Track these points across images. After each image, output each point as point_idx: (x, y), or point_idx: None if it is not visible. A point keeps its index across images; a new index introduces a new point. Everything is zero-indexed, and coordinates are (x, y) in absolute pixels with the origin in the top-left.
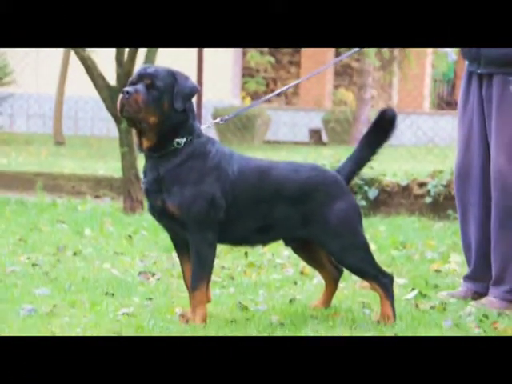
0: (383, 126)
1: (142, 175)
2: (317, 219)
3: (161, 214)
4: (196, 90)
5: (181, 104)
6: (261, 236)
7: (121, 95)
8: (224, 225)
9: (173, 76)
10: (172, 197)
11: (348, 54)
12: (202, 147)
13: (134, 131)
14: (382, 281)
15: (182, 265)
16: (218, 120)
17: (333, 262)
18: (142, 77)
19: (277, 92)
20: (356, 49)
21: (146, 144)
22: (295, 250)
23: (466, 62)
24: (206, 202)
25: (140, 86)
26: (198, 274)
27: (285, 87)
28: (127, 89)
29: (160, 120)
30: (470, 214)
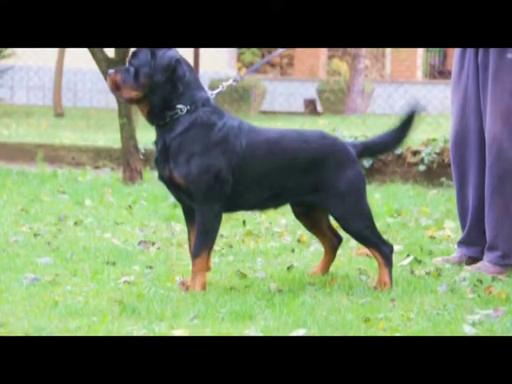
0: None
1: (140, 145)
2: (326, 186)
3: (168, 183)
4: (173, 59)
5: (160, 76)
6: (271, 202)
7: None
8: (232, 197)
9: (151, 52)
10: (178, 167)
11: None
12: (206, 117)
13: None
14: (382, 249)
15: (189, 232)
16: (229, 82)
17: (333, 230)
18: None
19: (268, 58)
20: None
21: (143, 114)
22: (297, 216)
23: None
24: (211, 176)
25: (121, 68)
26: (201, 243)
27: (275, 53)
28: (109, 71)
29: (144, 93)
30: (468, 180)
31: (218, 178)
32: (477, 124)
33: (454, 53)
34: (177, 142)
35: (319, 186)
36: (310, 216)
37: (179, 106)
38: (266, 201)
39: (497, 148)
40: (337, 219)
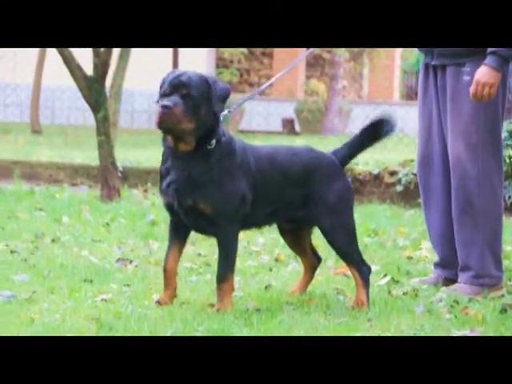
0: (379, 132)
1: (118, 163)
2: (316, 198)
3: (188, 213)
4: (230, 91)
5: (219, 107)
6: (268, 219)
7: (159, 109)
8: (245, 216)
9: (206, 82)
10: (206, 196)
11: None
12: (230, 146)
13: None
14: (362, 269)
15: (169, 250)
16: (225, 112)
17: (314, 249)
18: (176, 87)
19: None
20: None
21: (183, 148)
22: (282, 233)
23: (423, 54)
24: (238, 200)
25: (176, 98)
26: (226, 266)
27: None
28: (165, 103)
29: (197, 126)
30: (432, 202)
31: (243, 200)
32: (441, 146)
33: (419, 77)
34: (207, 175)
35: (310, 198)
36: (294, 234)
37: (213, 141)
38: (266, 217)
39: (461, 169)
40: (325, 231)
